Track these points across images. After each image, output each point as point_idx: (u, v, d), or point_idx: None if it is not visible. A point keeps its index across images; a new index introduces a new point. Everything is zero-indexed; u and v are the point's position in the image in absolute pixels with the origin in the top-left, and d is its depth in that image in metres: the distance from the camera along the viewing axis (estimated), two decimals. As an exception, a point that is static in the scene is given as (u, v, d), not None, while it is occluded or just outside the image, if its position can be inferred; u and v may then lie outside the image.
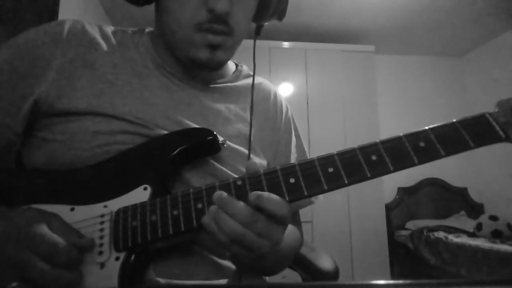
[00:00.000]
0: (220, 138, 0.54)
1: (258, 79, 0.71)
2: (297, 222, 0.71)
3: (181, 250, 0.51)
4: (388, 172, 0.41)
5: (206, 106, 0.60)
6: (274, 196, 0.40)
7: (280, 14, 0.63)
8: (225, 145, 0.54)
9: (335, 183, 0.41)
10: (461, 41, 3.40)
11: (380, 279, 0.46)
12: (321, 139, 2.80)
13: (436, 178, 3.35)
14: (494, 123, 0.41)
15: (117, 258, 0.45)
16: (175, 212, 0.44)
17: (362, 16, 2.93)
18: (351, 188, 2.84)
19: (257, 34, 0.64)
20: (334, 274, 0.88)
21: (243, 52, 0.67)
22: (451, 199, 3.32)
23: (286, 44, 3.02)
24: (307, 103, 2.92)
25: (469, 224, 2.77)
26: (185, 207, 0.44)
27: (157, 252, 0.49)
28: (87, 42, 0.56)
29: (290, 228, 0.61)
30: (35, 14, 1.81)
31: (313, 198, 0.69)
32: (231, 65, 0.70)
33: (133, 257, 0.45)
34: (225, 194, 0.41)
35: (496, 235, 2.46)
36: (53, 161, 0.51)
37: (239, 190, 0.43)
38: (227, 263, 0.55)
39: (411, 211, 3.24)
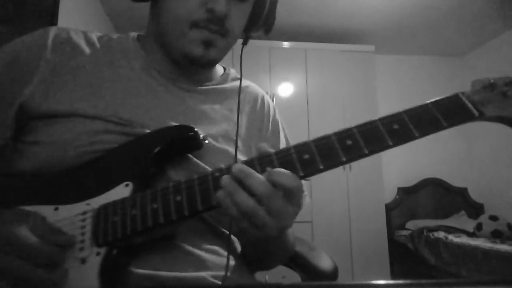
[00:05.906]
0: (201, 134, 0.54)
1: (246, 82, 0.73)
2: None
3: (162, 244, 0.51)
4: (363, 155, 0.42)
5: (191, 107, 0.61)
6: (286, 171, 0.41)
7: (267, 28, 0.66)
8: (206, 141, 0.55)
9: (313, 167, 0.42)
10: (461, 41, 3.40)
11: (380, 279, 0.46)
12: (321, 139, 2.79)
13: (436, 178, 3.35)
14: (466, 102, 0.42)
15: (98, 253, 0.45)
16: (154, 206, 0.45)
17: (362, 16, 2.93)
18: (351, 188, 2.84)
19: (245, 44, 0.66)
20: (332, 274, 0.86)
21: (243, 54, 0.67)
22: (451, 199, 3.32)
23: (286, 44, 3.02)
24: (307, 103, 2.93)
25: (469, 224, 2.77)
26: (164, 200, 0.45)
27: (139, 248, 0.49)
28: (71, 49, 0.59)
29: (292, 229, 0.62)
30: (36, 15, 1.81)
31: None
32: (219, 69, 0.72)
33: (114, 252, 0.46)
34: (246, 166, 0.41)
35: (496, 235, 2.46)
36: (41, 163, 0.52)
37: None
38: (209, 256, 0.54)
39: (411, 211, 3.24)
